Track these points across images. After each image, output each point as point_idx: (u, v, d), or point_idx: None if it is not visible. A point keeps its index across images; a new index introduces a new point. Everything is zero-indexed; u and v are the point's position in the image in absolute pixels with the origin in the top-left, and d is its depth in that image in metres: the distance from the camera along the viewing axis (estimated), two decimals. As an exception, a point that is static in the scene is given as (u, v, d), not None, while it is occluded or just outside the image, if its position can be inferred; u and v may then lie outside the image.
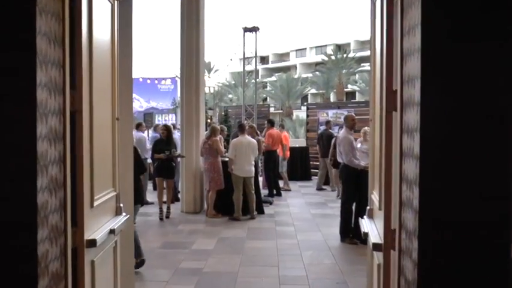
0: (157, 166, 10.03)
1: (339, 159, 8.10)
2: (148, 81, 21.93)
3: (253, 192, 9.92)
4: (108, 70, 3.58)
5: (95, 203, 3.06)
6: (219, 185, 9.93)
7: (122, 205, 3.78)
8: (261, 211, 10.37)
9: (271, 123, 13.33)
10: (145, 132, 13.39)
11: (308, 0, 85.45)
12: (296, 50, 73.26)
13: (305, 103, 66.85)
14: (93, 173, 3.03)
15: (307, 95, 66.16)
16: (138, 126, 12.01)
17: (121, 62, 4.51)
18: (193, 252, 7.34)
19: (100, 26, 3.26)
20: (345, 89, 56.45)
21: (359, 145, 10.25)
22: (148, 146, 11.83)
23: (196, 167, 10.63)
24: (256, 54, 11.88)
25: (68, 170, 2.66)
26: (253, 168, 9.98)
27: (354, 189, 7.87)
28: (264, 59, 69.69)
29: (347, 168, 7.80)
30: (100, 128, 3.23)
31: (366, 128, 10.82)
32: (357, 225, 7.90)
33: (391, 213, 2.81)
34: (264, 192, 12.04)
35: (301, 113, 60.01)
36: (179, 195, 11.24)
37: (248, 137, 10.13)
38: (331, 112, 17.22)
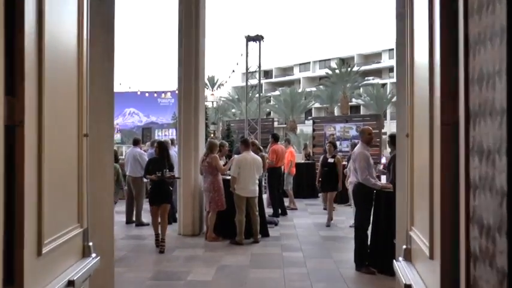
0: (150, 190, 8.76)
1: (352, 178, 7.28)
2: (147, 94, 21.17)
3: (257, 213, 9.11)
4: (71, 74, 2.80)
5: (45, 249, 2.25)
6: (219, 206, 9.13)
7: (91, 244, 2.98)
8: (265, 234, 9.55)
9: (276, 138, 12.54)
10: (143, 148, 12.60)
11: (310, 14, 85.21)
12: (300, 64, 73.09)
13: (309, 117, 66.57)
14: (42, 207, 2.22)
15: (311, 109, 65.75)
16: (136, 143, 11.25)
17: (99, 68, 3.73)
18: (189, 284, 6.50)
19: (58, 18, 2.49)
20: (349, 103, 55.80)
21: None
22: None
23: (195, 186, 9.83)
24: (260, 64, 11.16)
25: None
26: (257, 188, 9.18)
27: (369, 211, 7.07)
28: (267, 74, 69.36)
29: (362, 188, 6.97)
30: (57, 147, 2.44)
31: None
32: (374, 252, 7.17)
33: (450, 266, 2.02)
34: (268, 211, 11.22)
35: (305, 127, 59.45)
36: (177, 215, 10.40)
37: (253, 154, 9.34)
38: (338, 126, 16.44)
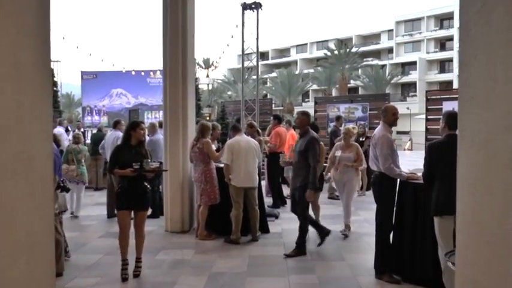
0: (119, 190, 6.07)
1: (372, 166, 5.99)
2: (133, 72, 19.64)
3: (256, 208, 7.84)
4: None
5: None
6: (212, 199, 7.87)
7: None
8: (265, 229, 8.31)
9: (279, 120, 11.18)
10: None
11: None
12: (296, 46, 71.77)
13: (306, 99, 65.37)
14: None
15: (308, 91, 64.52)
16: (116, 125, 9.95)
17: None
18: (174, 301, 5.25)
19: None
20: (348, 85, 54.52)
21: (338, 153, 8.41)
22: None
23: (184, 176, 8.55)
24: (258, 35, 9.81)
25: None
26: (256, 177, 7.89)
27: (392, 207, 5.81)
28: (263, 55, 67.87)
29: (385, 178, 5.69)
30: None
31: (350, 126, 9.06)
32: (398, 256, 5.94)
33: None
34: (267, 201, 9.95)
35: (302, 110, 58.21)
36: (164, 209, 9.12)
37: (246, 137, 8.05)
38: (342, 107, 15.12)
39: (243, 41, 9.89)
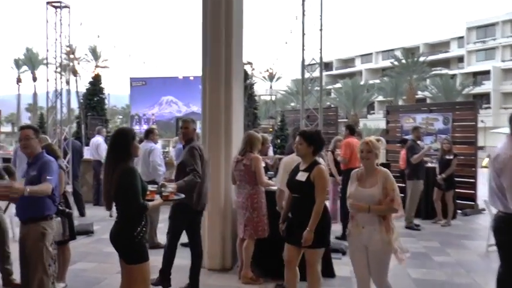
0: (142, 233, 4.03)
1: (494, 205, 4.00)
2: (181, 77, 18.10)
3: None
4: None
5: None
6: (260, 231, 6.11)
7: None
8: (329, 272, 6.44)
9: (351, 130, 9.20)
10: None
11: (372, 2, 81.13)
12: (361, 55, 69.48)
13: (372, 111, 62.83)
14: None
15: (373, 103, 62.07)
16: (148, 135, 8.41)
17: None
18: None
19: None
20: (415, 96, 51.61)
21: (353, 187, 4.89)
22: (162, 169, 8.21)
23: (227, 201, 6.81)
24: (321, 26, 8.03)
25: None
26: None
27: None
28: (327, 65, 66.09)
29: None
30: None
31: (372, 138, 4.85)
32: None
33: None
34: (334, 230, 8.00)
35: (368, 122, 55.77)
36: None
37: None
38: (419, 117, 13.02)
39: (303, 31, 8.14)
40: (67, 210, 4.82)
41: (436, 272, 6.89)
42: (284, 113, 20.46)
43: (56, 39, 10.33)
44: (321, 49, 8.45)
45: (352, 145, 8.95)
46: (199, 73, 7.15)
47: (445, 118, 12.44)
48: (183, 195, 4.94)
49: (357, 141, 9.32)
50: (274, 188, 6.15)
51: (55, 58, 10.43)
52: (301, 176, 4.84)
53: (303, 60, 8.72)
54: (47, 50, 10.43)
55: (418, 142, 10.21)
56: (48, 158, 4.61)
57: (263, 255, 6.29)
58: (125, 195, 3.88)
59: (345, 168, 8.85)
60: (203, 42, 6.94)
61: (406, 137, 12.88)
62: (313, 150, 4.87)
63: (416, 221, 10.03)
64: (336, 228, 8.52)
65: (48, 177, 4.37)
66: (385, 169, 4.58)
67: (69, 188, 9.28)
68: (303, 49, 8.60)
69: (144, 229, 3.96)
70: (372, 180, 4.52)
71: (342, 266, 6.89)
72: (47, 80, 10.46)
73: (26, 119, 66.51)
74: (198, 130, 6.61)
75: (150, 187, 4.22)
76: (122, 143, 4.02)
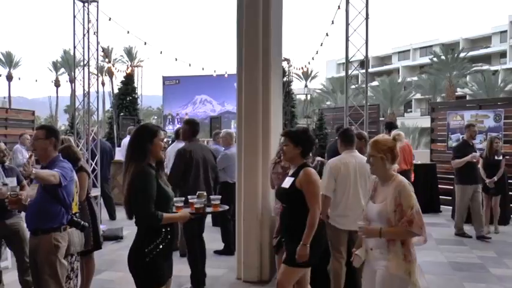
0: (161, 251, 3.41)
1: None
2: (215, 75, 17.53)
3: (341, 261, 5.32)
4: None
5: None
6: (301, 242, 5.50)
7: None
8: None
9: (392, 129, 8.54)
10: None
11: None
12: (398, 52, 67.88)
13: (409, 109, 61.29)
14: None
15: (410, 101, 60.55)
16: (179, 134, 7.90)
17: None
18: None
19: None
20: (455, 93, 49.96)
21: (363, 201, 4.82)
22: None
23: (265, 207, 6.23)
24: (367, 13, 7.36)
25: None
26: (366, 215, 5.42)
27: None
28: (363, 63, 64.65)
29: None
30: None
31: (384, 136, 3.94)
32: None
33: None
34: None
35: (406, 121, 54.39)
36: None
37: (359, 155, 5.53)
38: (467, 114, 12.17)
39: (347, 20, 7.53)
40: (82, 222, 4.28)
41: (494, 287, 6.17)
42: (323, 111, 19.72)
43: (84, 35, 9.93)
44: (367, 36, 7.79)
45: (400, 146, 8.26)
46: (234, 70, 6.61)
47: (496, 115, 11.56)
48: (226, 207, 4.50)
49: (406, 141, 8.64)
50: (317, 192, 5.54)
51: (82, 54, 10.06)
52: (286, 183, 4.26)
53: (347, 52, 8.08)
54: (74, 46, 10.07)
55: (473, 142, 9.28)
56: (62, 163, 4.12)
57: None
58: (134, 202, 3.32)
59: None
60: (238, 32, 6.38)
61: (453, 136, 12.10)
62: (302, 152, 4.24)
63: (466, 227, 9.19)
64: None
65: (56, 169, 3.89)
66: (401, 179, 3.56)
67: (95, 192, 8.86)
68: (347, 39, 7.95)
69: (161, 246, 3.33)
70: (383, 193, 3.56)
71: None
72: (70, 82, 10.22)
73: (64, 120, 67.41)
74: (233, 129, 6.20)
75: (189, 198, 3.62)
76: (139, 142, 3.45)
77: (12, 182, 5.07)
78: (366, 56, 8.05)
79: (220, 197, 4.67)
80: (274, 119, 6.40)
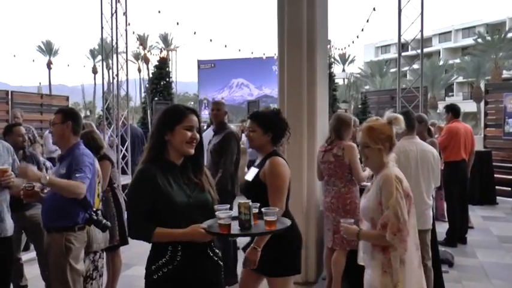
0: (173, 270, 2.56)
1: None
2: (264, 57, 16.68)
3: (429, 263, 4.60)
4: None
5: None
6: (353, 241, 4.81)
7: None
8: (440, 291, 5.08)
9: (454, 112, 7.67)
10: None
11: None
12: (439, 34, 65.55)
13: (450, 93, 59.34)
14: None
15: (452, 84, 58.58)
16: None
17: None
18: None
19: None
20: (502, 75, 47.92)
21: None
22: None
23: (311, 201, 5.56)
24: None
25: None
26: (430, 212, 4.67)
27: None
28: (403, 46, 62.95)
29: None
30: None
31: (374, 119, 3.11)
32: None
33: None
34: (439, 232, 6.40)
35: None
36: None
37: (420, 142, 4.78)
38: (527, 96, 11.17)
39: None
40: (104, 221, 3.69)
41: None
42: (366, 95, 18.82)
43: (112, 15, 9.42)
44: (422, 8, 7.00)
45: (454, 131, 7.44)
46: (273, 52, 5.95)
47: None
48: (284, 227, 2.77)
49: (465, 126, 7.83)
50: (368, 183, 4.86)
51: (110, 35, 9.58)
52: (250, 174, 3.48)
53: (399, 31, 7.37)
54: (101, 27, 9.58)
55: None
56: (81, 151, 3.56)
57: (357, 271, 5.01)
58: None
59: (448, 161, 7.35)
60: (279, 4, 5.67)
61: (510, 120, 11.11)
62: (272, 138, 3.42)
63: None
64: (440, 229, 6.98)
65: (77, 174, 3.34)
66: (387, 171, 2.90)
67: (125, 180, 8.39)
68: (400, 11, 7.18)
69: (165, 270, 2.50)
70: (373, 187, 2.99)
71: (451, 284, 5.47)
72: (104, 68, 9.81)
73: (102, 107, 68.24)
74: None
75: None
76: (157, 129, 2.58)
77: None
78: (422, 29, 7.32)
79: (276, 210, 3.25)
80: (320, 101, 5.70)
